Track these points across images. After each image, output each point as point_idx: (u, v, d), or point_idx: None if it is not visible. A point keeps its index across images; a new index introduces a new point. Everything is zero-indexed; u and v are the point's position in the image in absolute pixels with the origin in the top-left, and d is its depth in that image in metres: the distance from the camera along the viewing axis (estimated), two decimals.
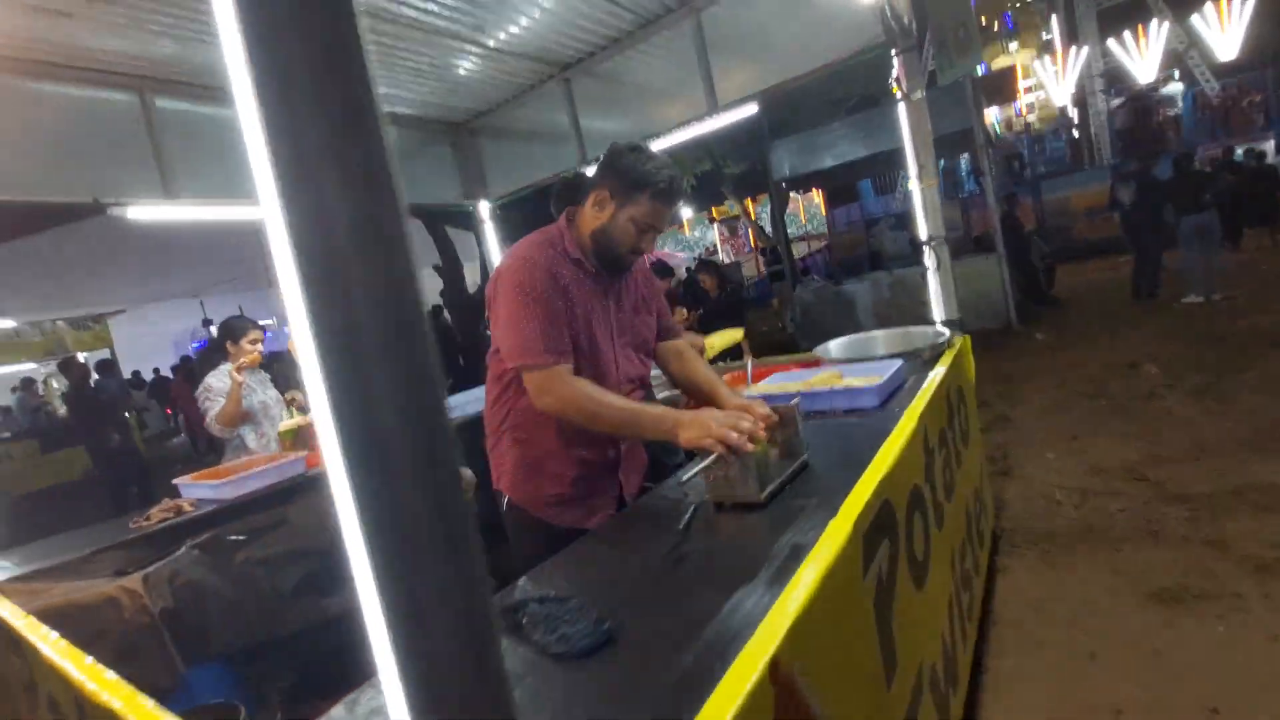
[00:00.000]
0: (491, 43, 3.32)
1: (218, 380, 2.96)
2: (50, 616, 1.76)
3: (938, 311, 2.86)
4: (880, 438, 1.55)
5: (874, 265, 10.01)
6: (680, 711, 0.75)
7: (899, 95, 2.72)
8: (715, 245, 25.75)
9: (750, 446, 1.31)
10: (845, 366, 2.36)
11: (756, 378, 2.76)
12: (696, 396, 1.73)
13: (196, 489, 2.40)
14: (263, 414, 3.11)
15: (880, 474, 1.33)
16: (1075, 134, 16.17)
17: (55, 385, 11.26)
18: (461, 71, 3.46)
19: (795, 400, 1.85)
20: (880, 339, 2.87)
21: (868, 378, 2.08)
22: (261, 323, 3.10)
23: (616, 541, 1.29)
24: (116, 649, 1.80)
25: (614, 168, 1.55)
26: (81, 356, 8.33)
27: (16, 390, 11.31)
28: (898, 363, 2.17)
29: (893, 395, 2.02)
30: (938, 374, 2.12)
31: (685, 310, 5.68)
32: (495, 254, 4.17)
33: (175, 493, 2.48)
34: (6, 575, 1.87)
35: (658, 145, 3.73)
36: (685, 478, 1.26)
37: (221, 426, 2.87)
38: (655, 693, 0.81)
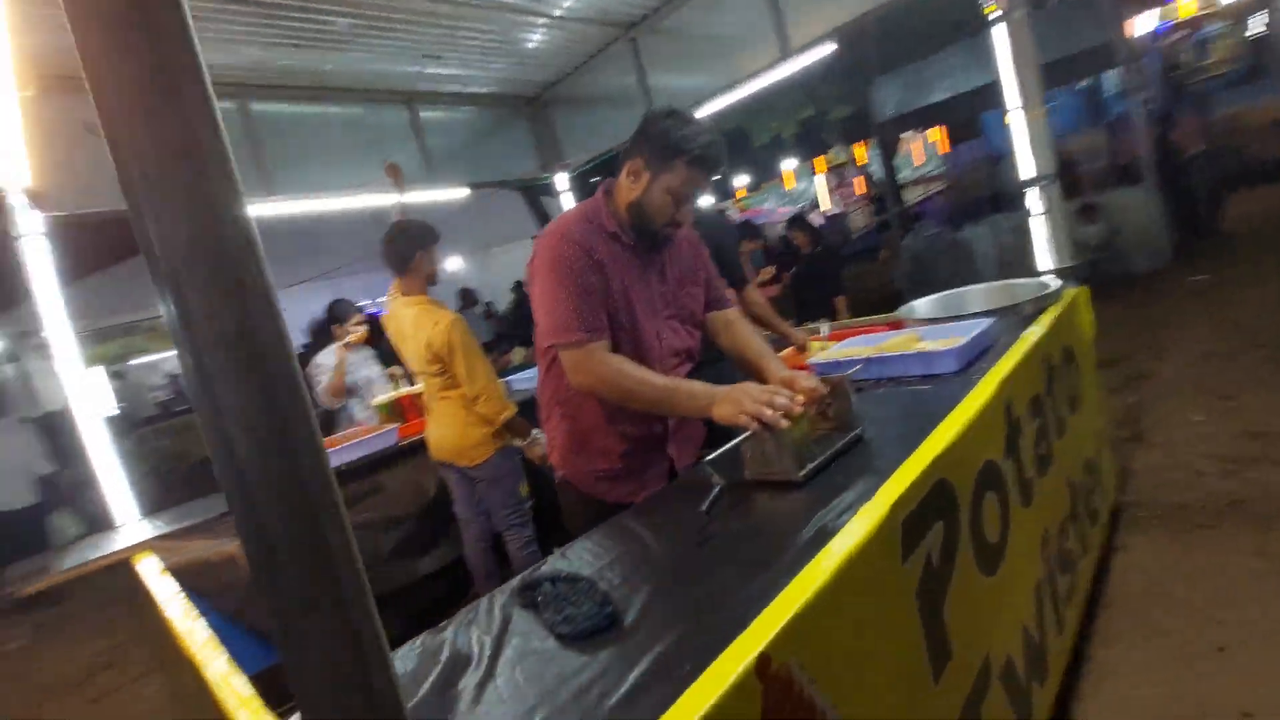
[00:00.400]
0: (557, 11, 3.27)
1: (325, 357, 3.25)
2: (184, 570, 2.04)
3: (1047, 260, 2.54)
4: (953, 407, 1.41)
5: (998, 207, 9.06)
6: (667, 701, 0.73)
7: (994, 14, 2.37)
8: (818, 198, 24.47)
9: (784, 423, 1.23)
10: (930, 328, 2.16)
11: (835, 341, 2.61)
12: (744, 368, 1.65)
13: None
14: (366, 388, 3.38)
15: (935, 451, 1.22)
16: (1254, 35, 13.54)
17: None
18: (529, 44, 3.46)
19: (855, 368, 1.73)
20: (976, 295, 2.60)
21: (950, 339, 1.90)
22: (362, 304, 3.34)
23: (644, 522, 1.27)
24: (238, 601, 2.05)
25: (647, 136, 1.48)
26: None
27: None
28: (985, 322, 1.96)
29: (977, 359, 1.83)
30: (1033, 333, 1.89)
31: (775, 270, 5.43)
32: None
33: None
34: (157, 533, 2.18)
35: (733, 97, 3.53)
36: (712, 456, 1.21)
37: (327, 399, 3.16)
38: (642, 681, 0.79)
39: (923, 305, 2.60)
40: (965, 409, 1.40)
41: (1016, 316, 2.17)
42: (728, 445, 1.27)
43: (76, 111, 2.39)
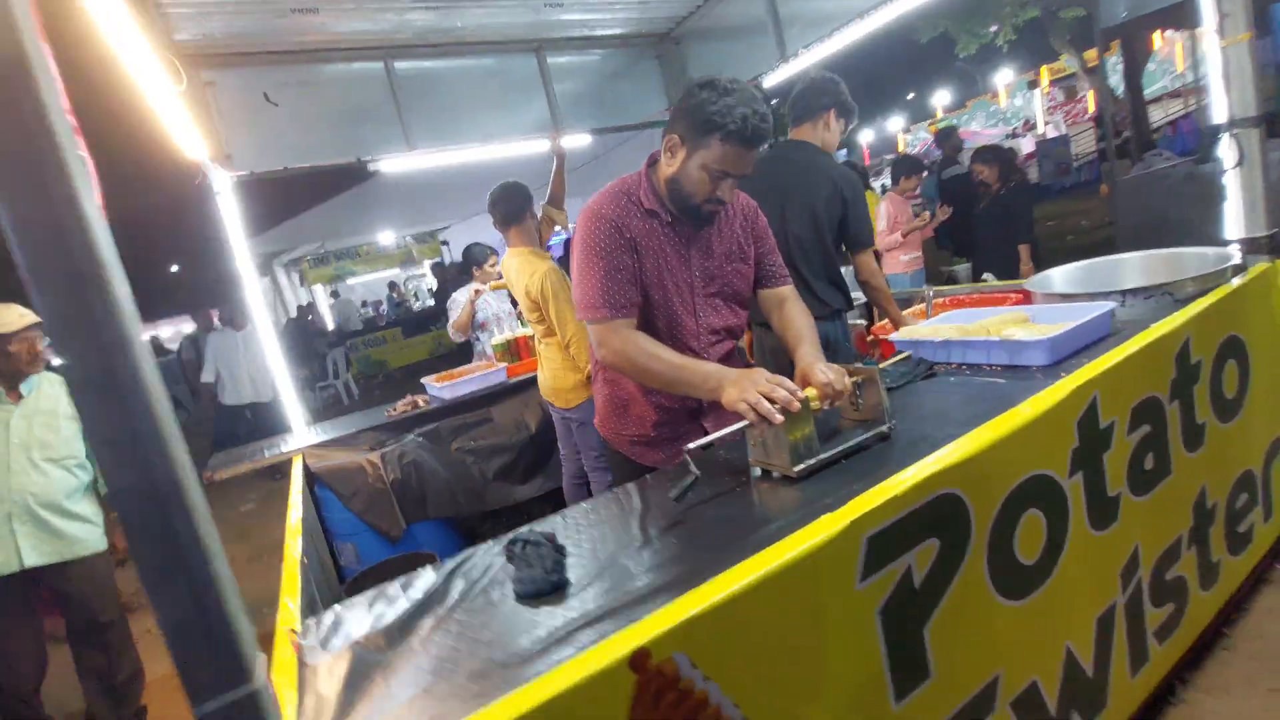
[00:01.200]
0: None
1: (461, 294, 3.62)
2: (327, 474, 2.51)
3: (1236, 226, 2.03)
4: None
5: (1274, 132, 7.09)
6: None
7: None
8: (1035, 117, 20.86)
9: (778, 419, 1.21)
10: (1051, 306, 1.88)
11: (937, 311, 2.36)
12: (786, 351, 1.60)
13: (430, 389, 3.07)
14: (496, 324, 3.73)
15: (939, 465, 1.12)
16: None
17: (409, 286, 14.92)
18: None
19: (906, 353, 1.58)
20: (1133, 265, 2.19)
21: (1054, 325, 1.65)
22: None
23: (643, 496, 1.33)
24: (364, 503, 2.49)
25: (683, 109, 1.43)
26: (426, 263, 10.70)
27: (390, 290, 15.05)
28: (1104, 307, 1.67)
29: (1082, 351, 1.58)
30: (1165, 325, 1.57)
31: (944, 206, 4.81)
32: None
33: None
34: (312, 442, 2.67)
35: (891, 12, 3.04)
36: (693, 446, 1.23)
37: (455, 332, 3.54)
38: (546, 650, 0.89)
39: (1059, 275, 2.25)
40: (1010, 417, 1.25)
41: (1170, 298, 1.81)
42: (723, 432, 1.27)
43: (256, 84, 2.84)
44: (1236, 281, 1.85)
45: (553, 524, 1.30)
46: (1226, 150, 1.94)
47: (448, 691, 0.85)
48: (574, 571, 1.09)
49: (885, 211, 4.83)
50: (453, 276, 8.65)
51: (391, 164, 3.18)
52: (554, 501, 2.97)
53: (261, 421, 5.50)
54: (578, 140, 3.67)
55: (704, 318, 1.60)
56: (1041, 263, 3.87)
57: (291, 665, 0.99)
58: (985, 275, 3.68)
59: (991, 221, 4.10)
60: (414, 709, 0.83)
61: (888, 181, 5.67)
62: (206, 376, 5.67)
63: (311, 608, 1.50)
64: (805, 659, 0.98)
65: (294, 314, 12.03)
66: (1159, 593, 1.57)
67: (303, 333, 10.88)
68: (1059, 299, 1.99)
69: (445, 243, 17.70)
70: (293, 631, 1.07)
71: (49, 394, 2.36)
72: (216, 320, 6.48)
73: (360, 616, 1.09)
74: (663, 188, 1.52)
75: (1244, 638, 1.75)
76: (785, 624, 0.96)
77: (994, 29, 14.41)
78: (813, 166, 2.21)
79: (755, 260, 1.67)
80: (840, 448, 1.27)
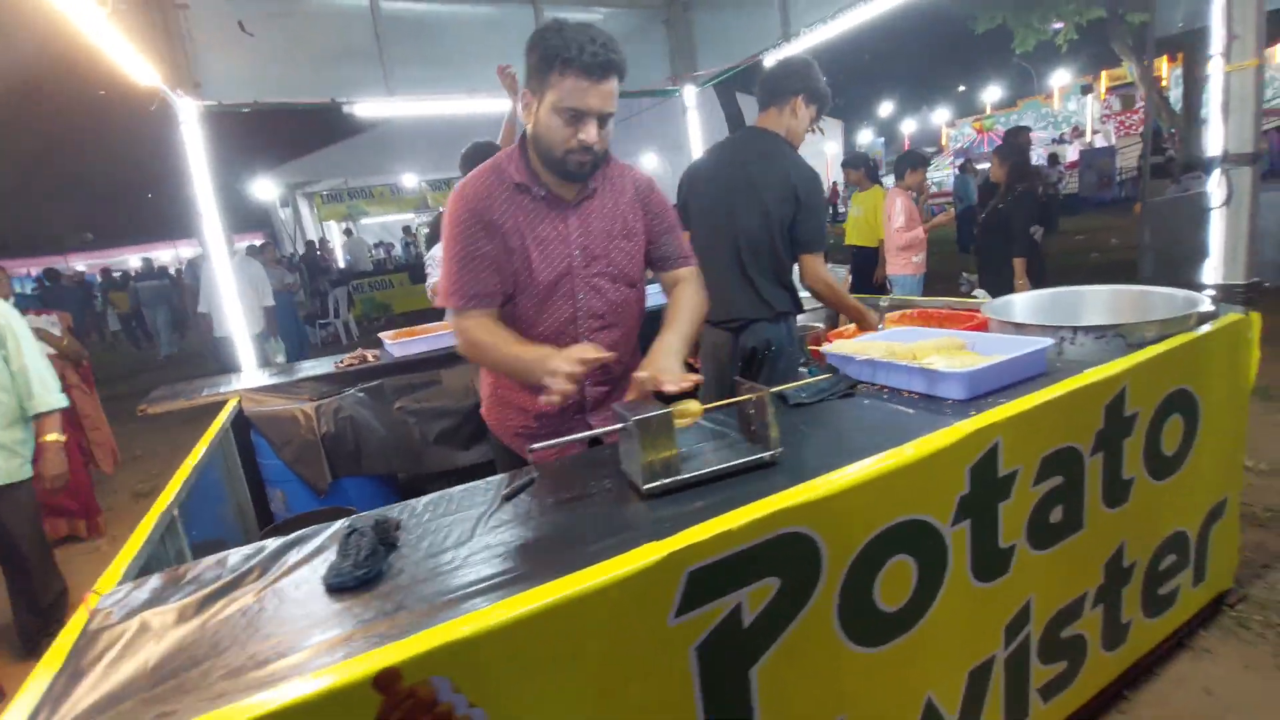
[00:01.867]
0: None
1: (439, 251, 3.55)
2: (261, 420, 2.50)
3: (1215, 269, 1.89)
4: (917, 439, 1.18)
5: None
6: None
7: None
8: (1086, 124, 20.05)
9: (553, 399, 1.19)
10: (995, 336, 1.77)
11: (903, 323, 2.26)
12: None
13: (386, 344, 3.03)
14: None
15: (794, 501, 1.05)
16: None
17: (423, 232, 14.88)
18: None
19: (828, 374, 1.50)
20: (1097, 299, 2.07)
21: (985, 357, 1.55)
22: None
23: (495, 493, 1.28)
24: (294, 453, 2.48)
25: (527, 57, 1.33)
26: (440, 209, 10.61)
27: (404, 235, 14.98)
28: (1041, 344, 1.56)
29: (1005, 389, 1.48)
30: (1108, 370, 1.47)
31: (951, 209, 4.65)
32: (697, 144, 3.94)
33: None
34: (253, 386, 2.64)
35: None
36: (538, 446, 1.17)
37: (434, 295, 3.48)
38: (307, 652, 0.85)
39: (1021, 301, 2.12)
40: (887, 459, 1.17)
41: (1122, 340, 1.69)
42: (595, 433, 1.20)
43: (231, 12, 2.74)
44: (1204, 330, 1.72)
45: (409, 509, 1.26)
46: (1215, 186, 1.79)
47: (194, 685, 0.81)
48: (398, 565, 1.05)
49: (903, 207, 4.64)
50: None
51: (367, 108, 3.08)
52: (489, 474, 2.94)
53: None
54: None
55: (584, 300, 1.49)
56: (1049, 280, 3.69)
57: (75, 630, 0.96)
58: (977, 290, 3.53)
59: (991, 229, 3.90)
60: (146, 703, 0.79)
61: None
62: (202, 308, 5.70)
63: (179, 559, 1.49)
64: (602, 692, 0.93)
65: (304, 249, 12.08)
66: (1050, 649, 1.50)
67: (311, 268, 10.93)
68: (1011, 328, 1.87)
69: None
70: (94, 594, 1.05)
71: None
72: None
73: (178, 587, 1.05)
74: (533, 154, 1.42)
75: (1145, 704, 1.68)
76: (581, 653, 0.91)
77: (1056, 26, 13.68)
78: (770, 159, 2.08)
79: (651, 239, 1.56)
80: (701, 471, 1.19)
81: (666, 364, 1.30)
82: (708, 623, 0.99)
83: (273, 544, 1.15)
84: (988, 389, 1.48)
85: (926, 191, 5.25)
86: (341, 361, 2.84)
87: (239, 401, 2.47)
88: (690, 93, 3.90)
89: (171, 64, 2.54)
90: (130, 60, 2.06)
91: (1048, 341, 1.58)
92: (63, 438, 2.45)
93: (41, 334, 3.38)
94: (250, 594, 1.01)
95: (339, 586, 1.00)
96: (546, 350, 1.30)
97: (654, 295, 1.66)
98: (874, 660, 1.19)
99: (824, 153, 18.40)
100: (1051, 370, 1.58)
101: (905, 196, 4.71)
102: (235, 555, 1.14)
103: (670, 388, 1.22)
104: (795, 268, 2.17)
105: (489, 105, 3.21)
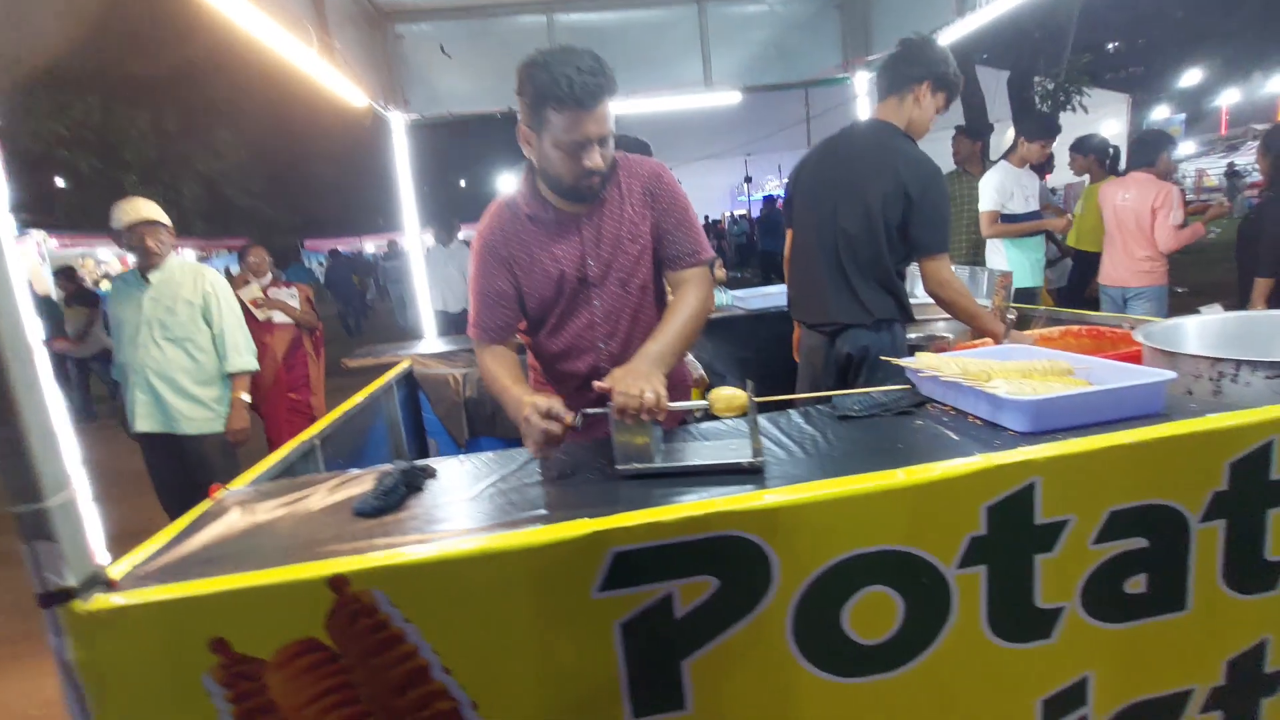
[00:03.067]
0: None
1: None
2: (423, 380, 3.00)
3: None
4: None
5: None
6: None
7: None
8: None
9: (533, 451, 1.30)
10: (1119, 365, 1.47)
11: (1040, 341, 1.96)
12: None
13: None
14: None
15: (735, 506, 1.05)
16: None
17: None
18: None
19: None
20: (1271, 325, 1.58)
21: (1076, 384, 1.33)
22: None
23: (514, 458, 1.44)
24: (444, 410, 2.93)
25: (519, 96, 1.39)
26: None
27: None
28: (1156, 377, 1.28)
29: (1090, 427, 1.25)
30: (1245, 418, 1.17)
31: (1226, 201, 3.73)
32: None
33: None
34: (423, 352, 3.17)
35: None
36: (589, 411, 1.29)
37: None
38: (307, 551, 1.09)
39: (1195, 325, 1.70)
40: (866, 480, 1.09)
41: None
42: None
43: (435, 37, 3.27)
44: None
45: (458, 461, 1.49)
46: None
47: (238, 554, 1.10)
48: (414, 504, 1.27)
49: (1178, 200, 3.75)
50: None
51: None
52: None
53: (444, 331, 6.53)
54: (727, 98, 3.58)
55: (600, 308, 1.55)
56: None
57: (201, 510, 1.33)
58: (1206, 307, 2.83)
59: (1247, 238, 3.08)
60: (205, 562, 1.09)
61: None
62: (370, 295, 6.92)
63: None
64: (530, 641, 1.05)
65: None
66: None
67: None
68: (1162, 357, 1.53)
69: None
70: (224, 487, 1.43)
71: (175, 279, 2.63)
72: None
73: (275, 492, 1.40)
74: (541, 184, 1.50)
75: None
76: (510, 602, 1.03)
77: None
78: (880, 153, 1.93)
79: (657, 235, 1.54)
80: (673, 464, 1.22)
81: (635, 372, 1.29)
82: (633, 604, 1.05)
83: (348, 474, 1.45)
84: (1061, 423, 1.26)
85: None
86: None
87: (410, 364, 2.99)
88: (862, 80, 3.67)
89: (389, 85, 3.14)
90: (349, 85, 2.61)
91: (1167, 375, 1.29)
92: (248, 398, 2.81)
93: (280, 304, 3.81)
94: (309, 505, 1.31)
95: (357, 511, 1.24)
96: (522, 395, 1.37)
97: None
98: (846, 691, 1.12)
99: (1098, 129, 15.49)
100: (1176, 411, 1.28)
101: (1174, 187, 3.79)
102: (321, 477, 1.46)
103: (617, 401, 1.22)
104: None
105: (643, 106, 3.40)
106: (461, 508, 1.23)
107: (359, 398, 2.35)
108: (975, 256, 4.10)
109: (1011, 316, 2.01)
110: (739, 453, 1.26)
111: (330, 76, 2.41)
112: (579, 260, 1.52)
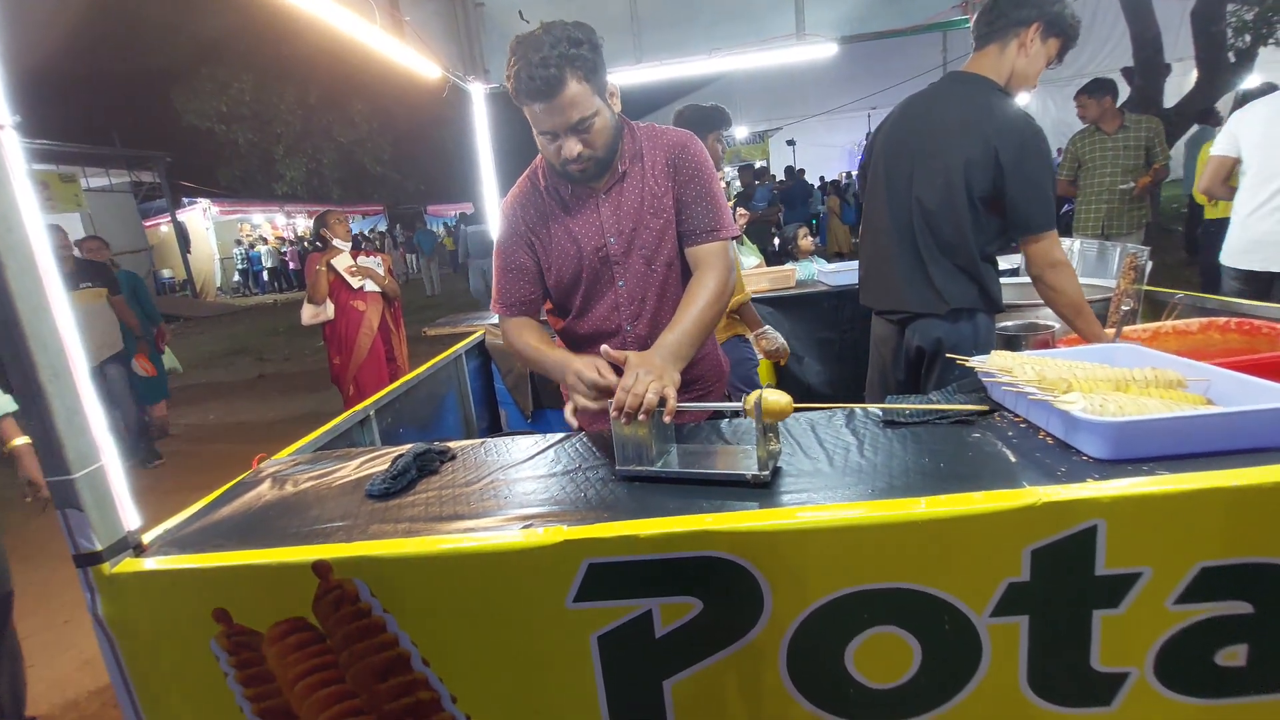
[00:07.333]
0: None
1: None
2: (494, 351, 3.07)
3: None
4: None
5: None
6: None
7: None
8: None
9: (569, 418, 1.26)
10: (1244, 382, 1.18)
11: (1150, 339, 1.65)
12: None
13: None
14: None
15: (718, 526, 0.96)
16: None
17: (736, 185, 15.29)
18: None
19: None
20: None
21: (1187, 399, 1.10)
22: None
23: (539, 443, 1.41)
24: (513, 381, 2.99)
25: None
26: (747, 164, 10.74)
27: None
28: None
29: (1194, 458, 1.02)
30: None
31: None
32: None
33: None
34: (494, 322, 3.23)
35: None
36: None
37: None
38: (311, 534, 1.13)
39: None
40: (880, 509, 0.95)
41: None
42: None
43: (511, 3, 3.22)
44: None
45: (480, 445, 1.48)
46: None
47: (257, 526, 1.16)
48: (424, 487, 1.28)
49: None
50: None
51: (613, 78, 3.34)
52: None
53: None
54: (821, 50, 3.27)
55: (625, 286, 1.48)
56: None
57: (239, 478, 1.42)
58: None
59: None
60: (224, 531, 1.16)
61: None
62: (460, 258, 7.36)
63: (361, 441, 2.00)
64: (509, 643, 1.02)
65: None
66: None
67: None
68: None
69: (792, 141, 17.10)
70: (265, 457, 1.51)
71: None
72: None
73: (308, 465, 1.46)
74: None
75: None
76: (487, 601, 1.01)
77: None
78: (967, 110, 1.65)
79: (679, 208, 1.45)
80: (670, 470, 1.13)
81: (648, 364, 1.22)
82: (610, 618, 0.99)
83: (378, 451, 1.49)
84: (1151, 451, 1.03)
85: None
86: None
87: (483, 334, 3.07)
88: None
89: (469, 56, 3.15)
90: (425, 59, 2.64)
91: None
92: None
93: (371, 272, 3.82)
94: (332, 481, 1.36)
95: (368, 492, 1.27)
96: (564, 355, 1.38)
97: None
98: None
99: None
100: None
101: None
102: (357, 452, 1.51)
103: (616, 398, 1.16)
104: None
105: (725, 65, 3.19)
106: (460, 498, 1.22)
107: (421, 370, 2.43)
108: (1109, 229, 3.54)
109: (1127, 306, 1.69)
110: (750, 462, 1.15)
111: (403, 52, 2.44)
112: (599, 237, 1.46)
